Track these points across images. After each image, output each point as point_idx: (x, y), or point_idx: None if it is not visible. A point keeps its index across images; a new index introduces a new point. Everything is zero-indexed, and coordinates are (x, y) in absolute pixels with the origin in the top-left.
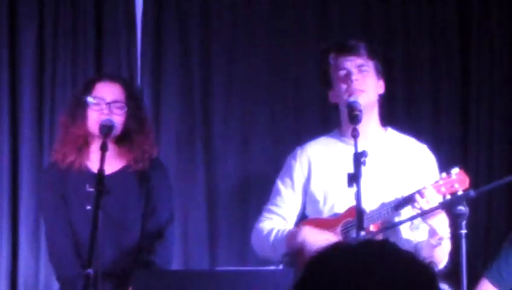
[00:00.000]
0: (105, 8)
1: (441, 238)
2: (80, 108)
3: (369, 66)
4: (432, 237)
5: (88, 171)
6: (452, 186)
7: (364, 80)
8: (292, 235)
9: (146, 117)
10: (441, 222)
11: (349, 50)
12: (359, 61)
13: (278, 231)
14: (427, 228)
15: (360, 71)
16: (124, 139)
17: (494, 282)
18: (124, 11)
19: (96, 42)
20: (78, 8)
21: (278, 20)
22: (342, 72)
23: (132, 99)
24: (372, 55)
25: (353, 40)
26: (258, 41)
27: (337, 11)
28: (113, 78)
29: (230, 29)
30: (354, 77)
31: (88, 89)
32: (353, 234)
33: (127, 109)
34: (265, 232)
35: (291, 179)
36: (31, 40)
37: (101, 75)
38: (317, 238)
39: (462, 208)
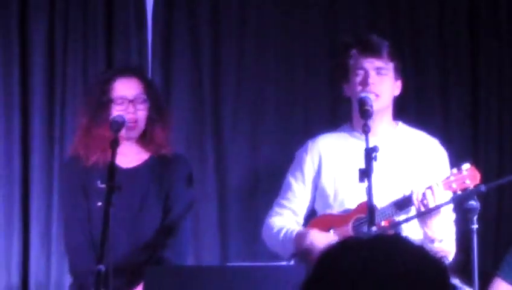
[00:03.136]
0: (116, 5)
1: (440, 241)
2: (102, 110)
3: (389, 69)
4: (427, 241)
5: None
6: (463, 182)
7: (381, 83)
8: (300, 236)
9: (164, 104)
10: (437, 226)
11: (371, 51)
12: (379, 63)
13: (287, 230)
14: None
15: (378, 74)
16: (147, 132)
17: (508, 280)
18: (134, 7)
19: (106, 39)
20: (88, 6)
21: (287, 15)
22: (360, 72)
23: (151, 89)
24: (394, 55)
25: (377, 38)
26: (268, 35)
27: (345, 7)
28: (130, 72)
29: (239, 23)
30: (370, 80)
31: (107, 88)
32: (365, 229)
33: (149, 101)
34: (275, 229)
35: (302, 173)
36: (41, 38)
37: (115, 71)
38: (325, 242)
39: (473, 203)
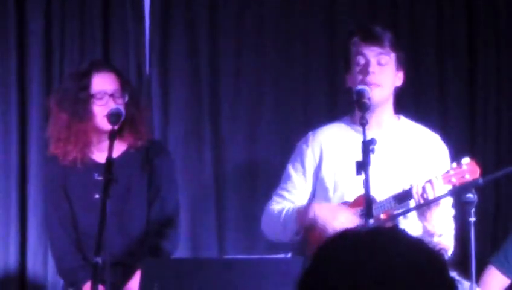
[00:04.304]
0: None
1: (440, 235)
2: (81, 105)
3: (390, 58)
4: (427, 235)
5: (91, 162)
6: (463, 176)
7: (381, 73)
8: (303, 211)
9: (140, 97)
10: (437, 220)
11: (373, 39)
12: (381, 52)
13: (289, 208)
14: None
15: (379, 64)
16: (125, 126)
17: (501, 268)
18: (131, 2)
19: (104, 34)
20: (85, 0)
21: (286, 7)
22: (361, 61)
23: (127, 84)
24: (396, 46)
25: (380, 28)
26: (266, 27)
27: (345, 4)
28: (106, 67)
29: (237, 16)
30: (370, 69)
31: (85, 83)
32: (362, 221)
33: (127, 96)
34: (276, 212)
35: (303, 165)
36: (38, 33)
37: (92, 65)
38: (328, 213)
39: (471, 196)
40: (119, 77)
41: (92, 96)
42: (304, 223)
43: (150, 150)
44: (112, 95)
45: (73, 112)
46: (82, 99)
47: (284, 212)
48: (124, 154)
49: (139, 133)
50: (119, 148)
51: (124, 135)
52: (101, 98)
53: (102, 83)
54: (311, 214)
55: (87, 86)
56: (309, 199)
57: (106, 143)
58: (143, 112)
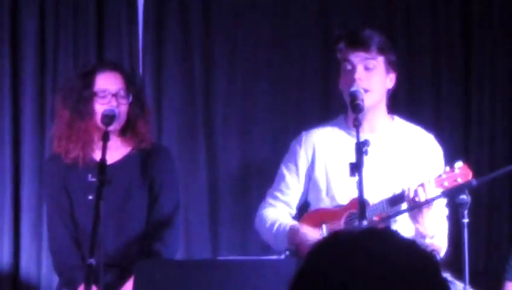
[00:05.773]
0: None
1: (432, 237)
2: (84, 103)
3: (378, 62)
4: (419, 237)
5: (92, 162)
6: (455, 180)
7: (369, 78)
8: (293, 232)
9: (145, 100)
10: (429, 222)
11: (358, 44)
12: (367, 57)
13: (280, 224)
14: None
15: (366, 69)
16: (128, 126)
17: None
18: (125, 1)
19: (97, 33)
20: (79, 1)
21: (281, 8)
22: (348, 66)
23: (132, 85)
24: (383, 49)
25: (367, 31)
26: (261, 27)
27: (341, 5)
28: (111, 66)
29: (231, 17)
30: (357, 76)
31: (89, 81)
32: (356, 224)
33: (131, 96)
34: (268, 223)
35: (296, 165)
36: (32, 34)
37: (98, 64)
38: (314, 239)
39: (464, 197)
40: (125, 77)
41: (94, 94)
42: (293, 243)
43: (152, 153)
44: (115, 95)
45: (75, 109)
46: (85, 97)
47: (276, 226)
48: (127, 156)
49: (141, 135)
50: (122, 150)
51: (127, 137)
52: (103, 97)
53: (106, 81)
54: (298, 238)
55: (90, 84)
56: (302, 198)
57: (108, 142)
58: (147, 114)
